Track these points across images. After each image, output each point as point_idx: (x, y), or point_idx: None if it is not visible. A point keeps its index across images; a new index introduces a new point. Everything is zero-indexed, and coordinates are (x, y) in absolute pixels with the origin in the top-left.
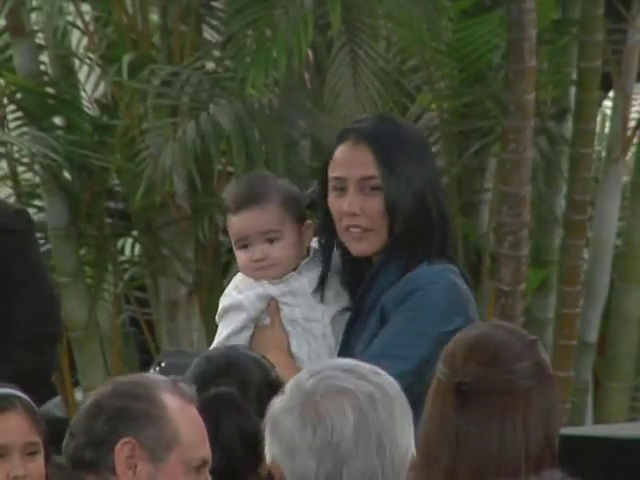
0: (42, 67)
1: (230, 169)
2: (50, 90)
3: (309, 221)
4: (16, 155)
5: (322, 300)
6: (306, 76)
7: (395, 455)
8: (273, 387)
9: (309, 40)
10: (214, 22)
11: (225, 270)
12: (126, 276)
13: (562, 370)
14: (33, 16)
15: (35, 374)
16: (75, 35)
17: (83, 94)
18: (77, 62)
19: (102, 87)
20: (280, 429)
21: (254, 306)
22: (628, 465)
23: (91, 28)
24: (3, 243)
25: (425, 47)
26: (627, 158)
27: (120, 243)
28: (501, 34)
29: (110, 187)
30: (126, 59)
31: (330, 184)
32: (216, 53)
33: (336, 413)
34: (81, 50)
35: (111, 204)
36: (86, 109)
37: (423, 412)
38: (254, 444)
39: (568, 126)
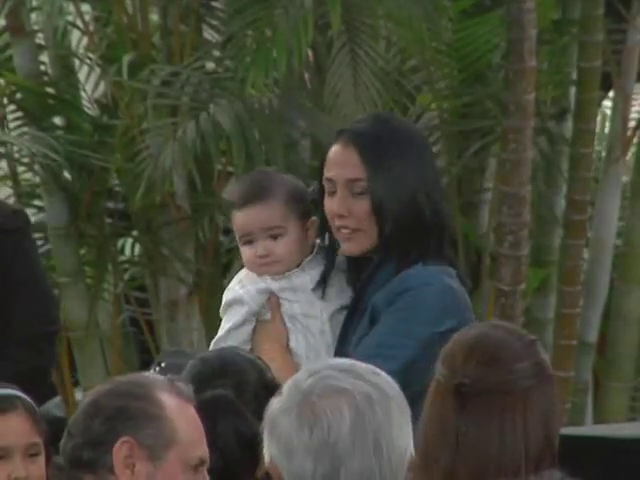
0: (42, 67)
1: (230, 169)
2: (50, 90)
3: (314, 217)
4: (16, 155)
5: (323, 297)
6: (306, 76)
7: (393, 455)
8: (269, 388)
9: (309, 40)
10: (214, 22)
11: (225, 270)
12: (126, 276)
13: (562, 370)
14: (33, 16)
15: (34, 373)
16: (75, 35)
17: (83, 94)
18: (77, 62)
19: (102, 87)
20: (278, 429)
21: (255, 300)
22: (628, 465)
23: (91, 28)
24: (1, 243)
25: (425, 47)
26: (627, 158)
27: (120, 243)
28: (501, 34)
29: (110, 187)
30: (126, 59)
31: (324, 184)
32: (216, 53)
33: (333, 413)
34: (81, 50)
35: (111, 204)
36: (86, 109)
37: (422, 413)
38: (251, 446)
39: (568, 126)
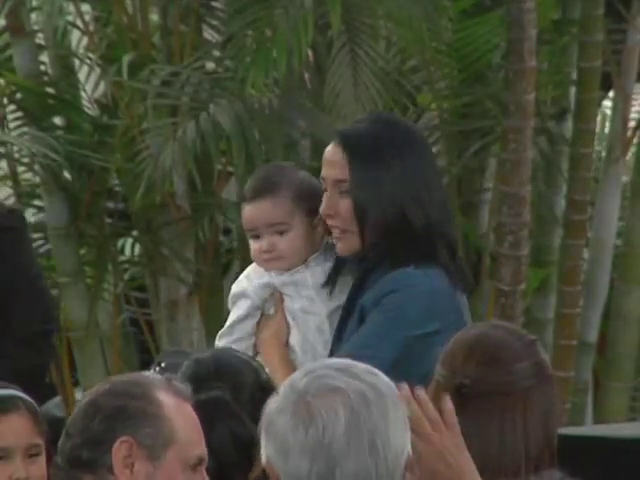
0: (42, 67)
1: (230, 169)
2: (50, 90)
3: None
4: (16, 155)
5: (330, 294)
6: (306, 76)
7: (389, 455)
8: (265, 389)
9: (309, 40)
10: (214, 22)
11: (225, 270)
12: (126, 276)
13: (562, 370)
14: (33, 16)
15: (31, 371)
16: (75, 35)
17: (83, 94)
18: (77, 62)
19: (102, 87)
20: (274, 429)
21: (258, 295)
22: (628, 465)
23: (91, 28)
24: None
25: (425, 47)
26: (627, 158)
27: (120, 243)
28: (501, 34)
29: (110, 187)
30: (126, 59)
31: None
32: (216, 53)
33: (327, 413)
34: (81, 50)
35: (111, 204)
36: (86, 109)
37: None
38: (247, 449)
39: (568, 126)
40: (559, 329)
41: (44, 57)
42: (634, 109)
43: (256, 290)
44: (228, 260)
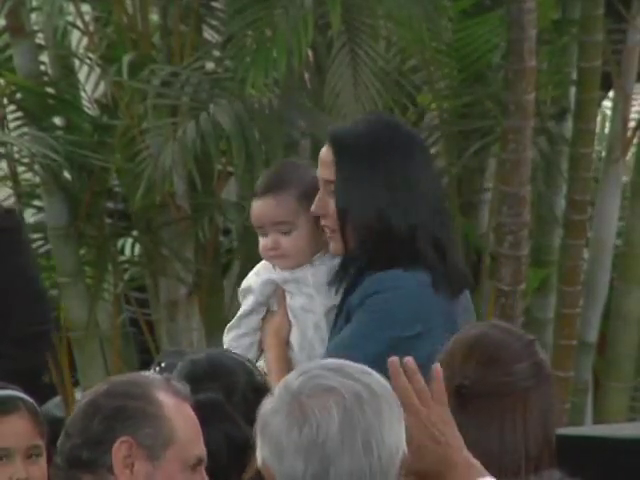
0: (42, 67)
1: (230, 169)
2: (50, 90)
3: None
4: (16, 155)
5: (336, 293)
6: (306, 76)
7: (383, 454)
8: (258, 390)
9: (309, 40)
10: (214, 22)
11: (225, 270)
12: (126, 276)
13: (562, 370)
14: (33, 16)
15: (28, 371)
16: (75, 35)
17: (83, 94)
18: (77, 62)
19: (102, 87)
20: (268, 430)
21: (261, 291)
22: (628, 465)
23: (91, 28)
24: None
25: (425, 47)
26: (627, 158)
27: (120, 243)
28: (501, 34)
29: (110, 187)
30: (126, 59)
31: None
32: (216, 53)
33: (321, 412)
34: (81, 50)
35: (111, 204)
36: (86, 109)
37: None
38: (240, 450)
39: (568, 126)
40: (559, 329)
41: (44, 57)
42: (634, 109)
43: (260, 286)
44: (228, 260)
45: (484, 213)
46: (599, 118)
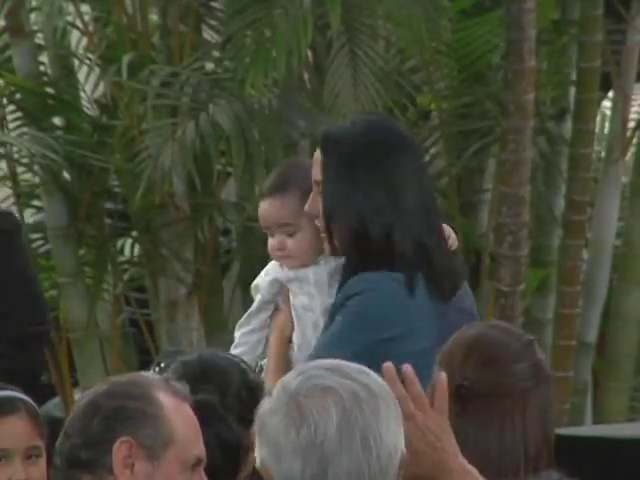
0: (42, 67)
1: (229, 169)
2: (50, 90)
3: None
4: (15, 155)
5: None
6: (305, 76)
7: (381, 453)
8: (252, 389)
9: (308, 40)
10: (213, 22)
11: (224, 270)
12: (125, 276)
13: (561, 370)
14: (33, 16)
15: (25, 371)
16: (75, 35)
17: (83, 94)
18: (77, 62)
19: (102, 87)
20: (266, 431)
21: (267, 290)
22: (627, 465)
23: (91, 28)
24: None
25: (424, 47)
26: (626, 158)
27: (119, 243)
28: (501, 34)
29: (109, 187)
30: (126, 59)
31: None
32: (215, 53)
33: (319, 412)
34: (80, 50)
35: (110, 205)
36: (85, 109)
37: None
38: (233, 453)
39: (567, 126)
40: (558, 329)
41: (44, 57)
42: (633, 109)
43: (266, 285)
44: (227, 260)
45: (484, 213)
46: (598, 118)
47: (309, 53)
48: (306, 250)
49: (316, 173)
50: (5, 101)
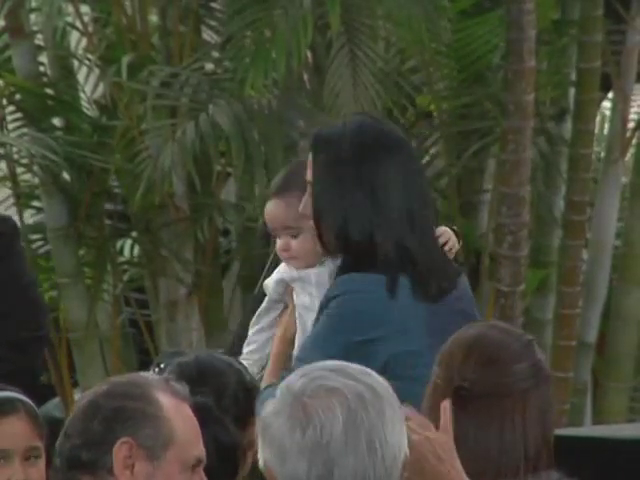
0: (41, 68)
1: (229, 170)
2: (49, 91)
3: None
4: (15, 156)
5: None
6: (305, 77)
7: (386, 454)
8: (249, 390)
9: (308, 41)
10: (213, 23)
11: (224, 271)
12: (125, 277)
13: (561, 371)
14: (32, 17)
15: (23, 372)
16: (74, 36)
17: (82, 95)
18: (76, 63)
19: (101, 88)
20: (270, 432)
21: (274, 289)
22: (627, 466)
23: (90, 29)
24: None
25: (424, 48)
26: (626, 159)
27: (119, 244)
28: (500, 34)
29: (109, 188)
30: (125, 60)
31: None
32: (215, 54)
33: (325, 413)
34: (80, 51)
35: (110, 205)
36: (85, 110)
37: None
38: (231, 454)
39: (567, 127)
40: (558, 330)
41: (43, 58)
42: (633, 110)
43: (273, 285)
44: (227, 261)
45: (483, 214)
46: (598, 119)
47: (309, 53)
48: (309, 251)
49: (308, 174)
50: (5, 102)
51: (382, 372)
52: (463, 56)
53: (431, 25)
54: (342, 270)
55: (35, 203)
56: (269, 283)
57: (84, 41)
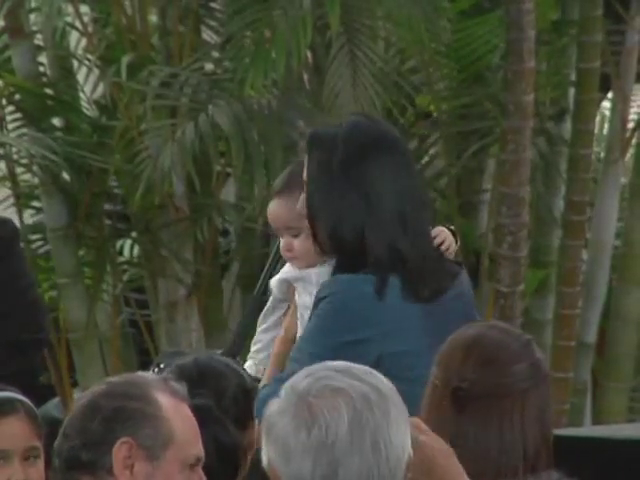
0: (41, 68)
1: (229, 170)
2: (49, 91)
3: None
4: (15, 156)
5: None
6: (305, 77)
7: (391, 455)
8: (248, 391)
9: (308, 41)
10: (213, 23)
11: (224, 271)
12: (125, 277)
13: (561, 371)
14: (32, 17)
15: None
16: (74, 36)
17: (82, 95)
18: (76, 63)
19: (101, 88)
20: (275, 431)
21: (278, 289)
22: (627, 466)
23: (90, 29)
24: None
25: (424, 48)
26: (626, 159)
27: (119, 244)
28: (500, 35)
29: (109, 188)
30: (125, 60)
31: None
32: (215, 54)
33: (330, 412)
34: (80, 51)
35: (110, 205)
36: (85, 110)
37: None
38: (232, 455)
39: (567, 127)
40: (558, 330)
41: (43, 58)
42: (633, 110)
43: (276, 285)
44: (227, 261)
45: (483, 214)
46: (598, 119)
47: (308, 54)
48: (311, 251)
49: (304, 173)
50: (4, 102)
51: None
52: (463, 56)
53: (431, 25)
54: (337, 270)
55: (35, 203)
56: (273, 283)
57: (84, 41)
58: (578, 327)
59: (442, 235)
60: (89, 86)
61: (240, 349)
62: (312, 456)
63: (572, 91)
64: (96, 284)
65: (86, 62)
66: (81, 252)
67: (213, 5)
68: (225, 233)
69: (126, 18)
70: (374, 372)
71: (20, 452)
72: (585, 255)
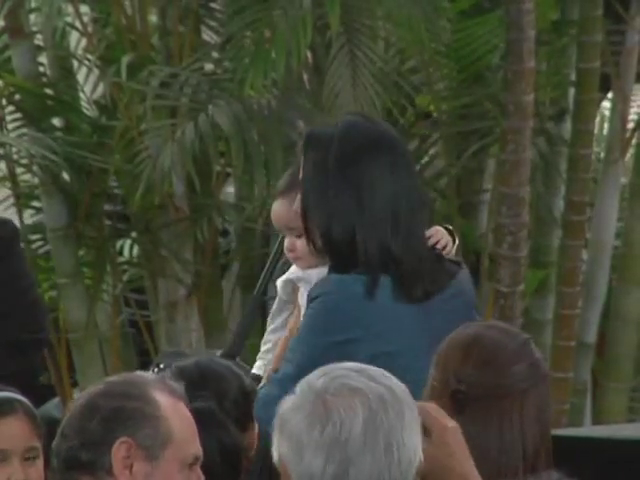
0: (41, 68)
1: (229, 170)
2: (49, 91)
3: None
4: (15, 156)
5: None
6: (305, 77)
7: (402, 457)
8: (248, 393)
9: (308, 41)
10: (213, 23)
11: (224, 271)
12: (125, 277)
13: (561, 371)
14: (32, 17)
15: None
16: (74, 36)
17: (82, 95)
18: (76, 63)
19: (101, 88)
20: (288, 427)
21: (283, 290)
22: (627, 466)
23: (90, 29)
24: None
25: (424, 48)
26: (626, 159)
27: (119, 244)
28: (500, 35)
29: (109, 188)
30: (125, 60)
31: None
32: (215, 54)
33: (346, 411)
34: (80, 51)
35: (110, 205)
36: (85, 110)
37: None
38: (234, 457)
39: (567, 127)
40: (558, 330)
41: (43, 58)
42: (633, 110)
43: (281, 285)
44: (227, 261)
45: (483, 214)
46: (598, 119)
47: (308, 54)
48: (313, 251)
49: (300, 173)
50: (4, 102)
51: None
52: (463, 56)
53: (431, 25)
54: (331, 270)
55: (35, 203)
56: (279, 283)
57: (84, 41)
58: (578, 327)
59: (437, 235)
60: (89, 86)
61: (240, 349)
62: (324, 453)
63: (572, 91)
64: (96, 284)
65: (86, 62)
66: (81, 252)
67: (213, 5)
68: (225, 233)
69: (126, 18)
70: (388, 374)
71: (19, 452)
72: (585, 255)
